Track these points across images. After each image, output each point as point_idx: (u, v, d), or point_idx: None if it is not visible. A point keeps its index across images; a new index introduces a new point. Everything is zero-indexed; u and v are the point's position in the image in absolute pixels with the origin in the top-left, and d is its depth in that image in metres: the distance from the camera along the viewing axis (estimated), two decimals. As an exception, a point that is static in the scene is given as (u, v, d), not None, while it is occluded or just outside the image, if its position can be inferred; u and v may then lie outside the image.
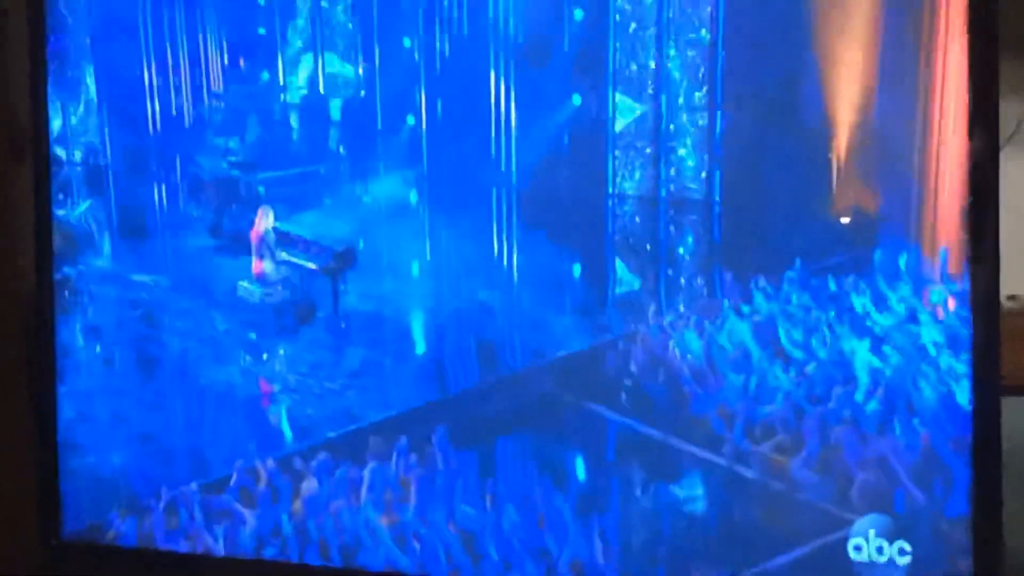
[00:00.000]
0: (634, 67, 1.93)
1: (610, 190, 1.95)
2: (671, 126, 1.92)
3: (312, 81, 2.15)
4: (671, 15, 1.89)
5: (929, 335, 1.73)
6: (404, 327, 2.06)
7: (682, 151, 1.91)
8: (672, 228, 1.93)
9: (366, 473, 2.05)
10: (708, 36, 1.86)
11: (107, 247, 2.24)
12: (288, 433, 2.14)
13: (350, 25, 2.10)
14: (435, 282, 2.04)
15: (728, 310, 1.87)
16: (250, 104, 2.17)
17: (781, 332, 1.84)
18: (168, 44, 2.16)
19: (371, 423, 2.08)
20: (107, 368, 2.25)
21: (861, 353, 1.78)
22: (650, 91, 1.93)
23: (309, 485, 2.09)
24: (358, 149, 2.09)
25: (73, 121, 2.23)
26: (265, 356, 2.16)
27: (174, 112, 2.18)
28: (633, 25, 1.91)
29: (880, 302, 1.78)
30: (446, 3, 1.98)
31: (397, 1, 2.04)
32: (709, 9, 1.85)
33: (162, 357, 2.22)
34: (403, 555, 2.01)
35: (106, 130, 2.23)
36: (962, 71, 1.65)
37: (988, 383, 1.65)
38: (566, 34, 1.93)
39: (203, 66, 2.16)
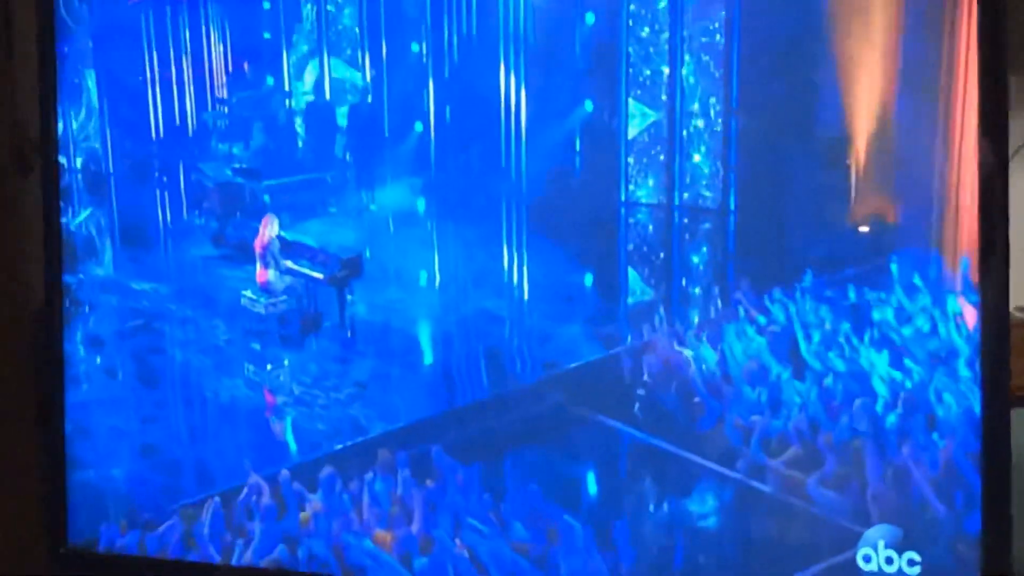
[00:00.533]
0: (647, 72, 1.91)
1: (622, 198, 1.94)
2: (685, 132, 1.90)
3: (318, 87, 2.14)
4: (685, 19, 1.87)
5: (949, 346, 1.71)
6: (411, 337, 2.04)
7: (697, 158, 1.90)
8: (686, 237, 1.92)
9: (372, 486, 2.03)
10: (723, 40, 1.84)
11: (108, 256, 2.23)
12: (293, 445, 2.13)
13: (357, 29, 2.09)
14: (443, 292, 2.03)
15: (743, 321, 1.85)
16: (255, 110, 2.16)
17: (802, 344, 1.82)
18: (171, 48, 2.14)
19: (377, 435, 2.06)
20: (112, 379, 2.23)
21: (880, 365, 1.76)
22: (664, 97, 1.91)
23: (314, 498, 2.06)
24: (365, 156, 2.08)
25: (74, 127, 2.21)
26: (269, 367, 2.15)
27: (177, 118, 2.17)
28: (646, 29, 1.90)
29: (899, 312, 1.76)
30: (455, 7, 1.96)
31: (405, 5, 2.02)
32: (724, 13, 1.84)
33: (165, 369, 2.20)
34: (408, 572, 1.98)
35: (108, 136, 2.21)
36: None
37: (997, 394, 1.65)
38: (577, 39, 1.91)
39: (206, 71, 2.14)
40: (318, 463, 2.07)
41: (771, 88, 1.81)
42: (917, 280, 1.73)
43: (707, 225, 1.90)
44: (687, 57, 1.88)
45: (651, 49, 1.90)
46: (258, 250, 2.14)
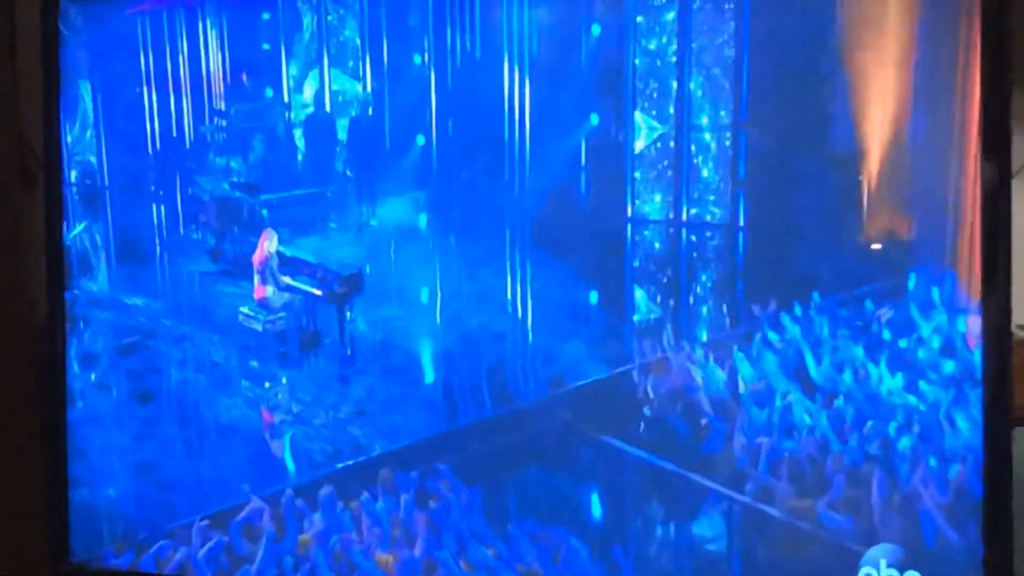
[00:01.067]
0: (654, 85, 1.89)
1: (629, 214, 1.92)
2: (693, 147, 1.88)
3: (318, 99, 2.12)
4: (693, 31, 1.85)
5: (961, 365, 1.70)
6: (413, 356, 2.03)
7: (705, 173, 1.88)
8: (694, 254, 1.89)
9: (373, 507, 2.00)
10: (732, 53, 1.82)
11: (103, 271, 2.21)
12: (291, 465, 2.11)
13: (358, 40, 2.07)
14: (445, 309, 2.01)
15: (752, 340, 1.83)
16: (253, 123, 2.14)
17: (810, 363, 1.80)
18: (168, 60, 2.12)
19: (378, 455, 2.05)
20: (106, 397, 2.21)
21: (890, 384, 1.75)
22: (671, 110, 1.89)
23: (313, 519, 2.04)
24: (365, 170, 2.06)
25: (69, 140, 2.19)
26: (267, 385, 2.13)
27: (174, 130, 2.15)
28: (654, 42, 1.87)
29: (912, 331, 1.74)
30: (458, 18, 1.94)
31: (407, 16, 2.00)
32: (733, 24, 1.81)
33: (160, 386, 2.18)
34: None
35: (103, 149, 2.19)
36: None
37: (999, 413, 1.64)
38: (583, 51, 1.89)
39: (204, 83, 2.12)
40: (317, 483, 2.05)
41: (781, 102, 1.79)
42: (935, 296, 1.71)
43: (716, 242, 1.88)
44: (695, 70, 1.86)
45: (658, 62, 1.88)
46: (256, 266, 2.13)
